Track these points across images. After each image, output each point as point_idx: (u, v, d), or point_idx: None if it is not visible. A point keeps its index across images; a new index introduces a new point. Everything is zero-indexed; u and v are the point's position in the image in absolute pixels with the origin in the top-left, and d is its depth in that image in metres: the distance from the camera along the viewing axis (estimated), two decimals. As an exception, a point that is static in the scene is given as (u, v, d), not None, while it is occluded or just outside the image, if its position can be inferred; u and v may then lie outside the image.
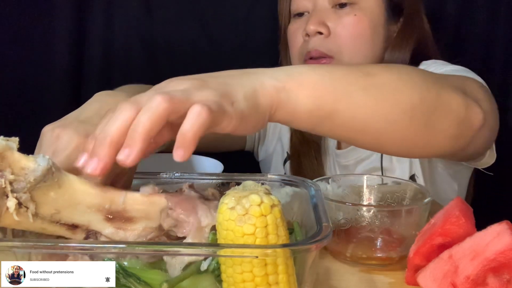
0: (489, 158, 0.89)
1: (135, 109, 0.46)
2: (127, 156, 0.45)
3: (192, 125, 0.45)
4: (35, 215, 0.48)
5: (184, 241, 0.51)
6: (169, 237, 0.53)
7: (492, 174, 0.97)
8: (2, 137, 0.48)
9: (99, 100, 0.70)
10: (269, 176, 0.65)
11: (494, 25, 1.34)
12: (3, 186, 0.46)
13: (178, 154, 0.45)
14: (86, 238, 0.51)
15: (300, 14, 1.07)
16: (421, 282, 0.55)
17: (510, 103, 1.30)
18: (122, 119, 0.46)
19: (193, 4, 1.40)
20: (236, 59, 1.36)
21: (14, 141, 0.48)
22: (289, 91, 0.54)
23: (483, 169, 0.96)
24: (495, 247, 0.50)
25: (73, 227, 0.50)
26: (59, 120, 0.63)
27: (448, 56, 1.03)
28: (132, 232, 0.51)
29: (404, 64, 1.01)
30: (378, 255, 0.65)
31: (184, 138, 0.45)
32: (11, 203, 0.46)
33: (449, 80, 0.69)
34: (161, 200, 0.52)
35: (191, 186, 0.55)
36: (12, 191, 0.46)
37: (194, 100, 0.46)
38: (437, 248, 0.56)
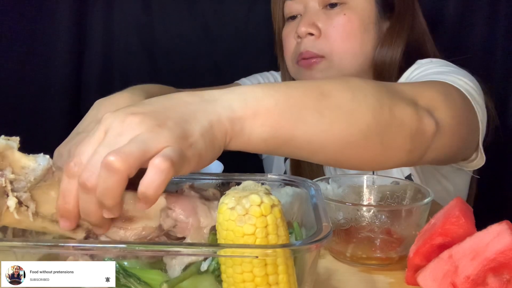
0: (480, 160, 0.89)
1: (92, 186, 0.45)
2: (112, 214, 0.47)
3: (153, 182, 0.44)
4: (36, 214, 0.48)
5: (184, 241, 0.51)
6: (169, 237, 0.52)
7: (478, 177, 0.96)
8: (3, 136, 0.48)
9: (96, 107, 0.73)
10: (269, 176, 0.65)
11: (494, 26, 1.34)
12: (4, 185, 0.46)
13: (142, 207, 0.46)
14: (87, 237, 0.51)
15: (293, 17, 1.08)
16: (421, 282, 0.55)
17: (510, 103, 1.30)
18: (88, 201, 0.46)
19: (193, 4, 1.40)
20: (236, 59, 1.36)
21: (15, 141, 0.48)
22: (244, 121, 0.53)
23: (478, 172, 0.96)
24: (495, 247, 0.50)
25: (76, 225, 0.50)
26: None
27: (448, 56, 1.03)
28: (132, 232, 0.51)
29: (395, 62, 1.01)
30: (378, 255, 0.65)
31: (146, 196, 0.44)
32: (12, 202, 0.46)
33: (401, 92, 0.69)
34: (160, 200, 0.51)
35: (191, 187, 0.55)
36: (13, 190, 0.46)
37: (152, 152, 0.45)
38: (437, 248, 0.56)
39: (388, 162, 0.69)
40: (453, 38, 1.37)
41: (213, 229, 0.50)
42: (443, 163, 0.90)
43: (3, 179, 0.46)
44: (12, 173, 0.46)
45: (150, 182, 0.44)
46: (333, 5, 1.01)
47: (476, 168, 0.92)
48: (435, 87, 0.80)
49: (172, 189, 0.56)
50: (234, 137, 0.53)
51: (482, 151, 0.88)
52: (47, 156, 0.48)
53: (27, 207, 0.47)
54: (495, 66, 1.34)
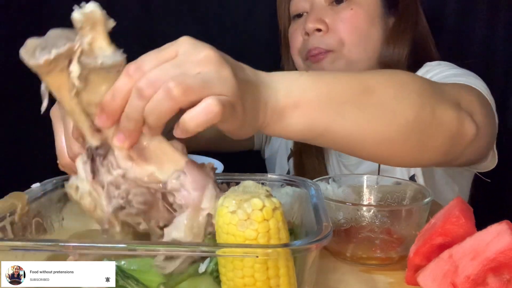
0: (490, 163, 0.89)
1: (146, 95, 0.46)
2: (148, 132, 0.48)
3: (198, 117, 0.45)
4: (77, 93, 0.47)
5: (176, 216, 0.50)
6: (164, 198, 0.51)
7: (489, 181, 0.97)
8: (103, 11, 0.47)
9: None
10: (269, 176, 0.65)
11: (494, 25, 1.34)
12: (75, 49, 0.45)
13: (177, 133, 0.47)
14: (96, 149, 0.50)
15: (299, 15, 1.08)
16: (421, 282, 0.55)
17: (510, 103, 1.30)
18: (135, 107, 0.46)
19: (193, 4, 1.40)
20: (236, 59, 1.36)
21: (111, 22, 0.47)
22: (283, 111, 0.54)
23: (481, 174, 0.97)
24: (495, 247, 0.50)
25: (97, 129, 0.49)
26: None
27: (448, 56, 1.03)
28: (138, 170, 0.49)
29: (402, 60, 1.02)
30: (378, 255, 0.65)
31: (185, 126, 0.45)
32: (76, 68, 0.45)
33: (445, 92, 0.69)
34: (181, 161, 0.50)
35: (212, 169, 0.54)
36: (78, 60, 0.46)
37: (211, 93, 0.46)
38: (437, 248, 0.56)
39: (424, 160, 0.70)
40: (452, 38, 1.37)
41: (210, 227, 0.50)
42: (468, 165, 0.90)
43: (77, 44, 0.45)
44: (89, 45, 0.46)
45: (196, 115, 0.45)
46: (339, 1, 1.02)
47: (487, 170, 0.93)
48: (471, 91, 0.81)
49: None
50: (272, 123, 0.54)
51: (496, 153, 0.88)
52: (125, 55, 0.47)
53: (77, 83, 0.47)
54: (495, 66, 1.34)
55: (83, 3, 0.46)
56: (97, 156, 0.50)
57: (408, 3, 1.05)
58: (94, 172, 0.50)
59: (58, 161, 0.57)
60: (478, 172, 0.98)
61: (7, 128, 1.25)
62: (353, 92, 0.59)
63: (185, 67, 0.47)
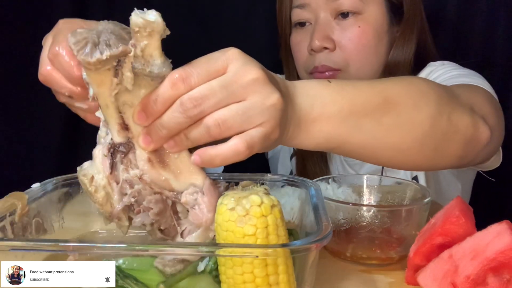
0: (494, 162, 0.90)
1: (187, 113, 0.47)
2: (174, 147, 0.49)
3: (223, 155, 0.47)
4: (118, 94, 0.48)
5: (187, 235, 0.51)
6: (173, 209, 0.52)
7: (494, 180, 0.97)
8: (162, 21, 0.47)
9: None
10: (269, 176, 0.65)
11: (494, 25, 1.34)
12: (130, 53, 0.46)
13: (197, 161, 0.48)
14: (118, 145, 0.50)
15: (302, 24, 1.04)
16: (421, 281, 0.55)
17: (510, 103, 1.30)
18: (173, 119, 0.47)
19: (193, 4, 1.40)
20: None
21: (166, 32, 0.47)
22: (304, 126, 0.55)
23: (486, 174, 0.97)
24: (495, 247, 0.50)
25: (125, 126, 0.50)
26: None
27: (447, 54, 1.03)
28: (154, 175, 0.50)
29: (407, 63, 1.01)
30: (378, 255, 0.65)
31: (210, 159, 0.48)
32: (129, 74, 0.46)
33: (459, 98, 0.69)
34: (200, 179, 0.51)
35: (225, 188, 0.54)
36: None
37: (250, 127, 0.47)
38: (437, 248, 0.56)
39: (439, 165, 0.72)
40: (452, 36, 1.37)
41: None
42: (479, 164, 0.90)
43: (133, 49, 0.46)
44: (141, 51, 0.46)
45: (223, 153, 0.47)
46: (345, 15, 0.99)
47: (490, 169, 0.93)
48: (480, 92, 0.81)
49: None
50: (293, 137, 0.55)
51: (501, 151, 0.89)
52: (171, 66, 0.48)
53: (119, 83, 0.47)
54: (495, 65, 1.34)
55: (145, 9, 0.47)
56: (118, 153, 0.50)
57: (413, 12, 1.03)
58: (113, 167, 0.51)
59: (39, 71, 0.59)
60: (482, 171, 0.98)
61: (7, 128, 1.25)
62: (373, 105, 0.59)
63: (233, 89, 0.47)
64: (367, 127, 0.58)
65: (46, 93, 1.29)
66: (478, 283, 0.51)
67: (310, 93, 0.55)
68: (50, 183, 0.63)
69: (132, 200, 0.50)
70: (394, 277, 0.62)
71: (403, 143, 0.61)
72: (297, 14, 1.04)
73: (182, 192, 0.51)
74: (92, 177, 0.51)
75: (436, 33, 1.11)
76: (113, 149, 0.50)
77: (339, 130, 0.57)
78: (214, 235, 0.51)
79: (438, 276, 0.53)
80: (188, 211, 0.51)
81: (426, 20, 1.07)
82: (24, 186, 0.60)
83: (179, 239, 0.52)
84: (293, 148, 1.17)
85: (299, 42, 1.05)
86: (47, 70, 0.56)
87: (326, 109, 0.55)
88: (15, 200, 0.55)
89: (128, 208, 0.52)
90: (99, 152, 0.51)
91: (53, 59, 0.55)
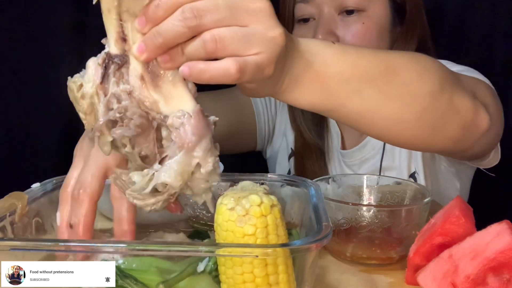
0: (493, 159, 0.90)
1: (187, 23, 0.45)
2: (167, 60, 0.47)
3: (214, 72, 0.46)
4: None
5: (166, 161, 0.48)
6: (157, 130, 0.49)
7: (494, 175, 0.97)
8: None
9: None
10: (269, 176, 0.65)
11: (494, 25, 1.34)
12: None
13: (185, 71, 0.46)
14: (114, 57, 0.48)
15: (305, 20, 1.04)
16: (421, 281, 0.55)
17: (510, 103, 1.30)
18: (171, 27, 0.45)
19: None
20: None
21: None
22: (301, 81, 0.53)
23: (485, 170, 0.97)
24: (495, 247, 0.50)
25: (124, 38, 0.48)
26: None
27: (448, 56, 1.03)
28: (145, 93, 0.48)
29: None
30: (378, 255, 0.65)
31: (197, 73, 0.46)
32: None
33: (462, 82, 0.69)
34: (189, 103, 0.48)
35: (214, 124, 0.51)
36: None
37: (246, 53, 0.46)
38: (437, 247, 0.56)
39: (434, 145, 0.70)
40: (452, 35, 1.37)
41: (200, 172, 0.48)
42: (474, 159, 0.90)
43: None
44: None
45: (213, 70, 0.46)
46: (349, 12, 0.98)
47: (489, 167, 0.93)
48: (482, 84, 0.81)
49: None
50: (287, 91, 0.54)
51: (499, 149, 0.88)
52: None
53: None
54: (495, 64, 1.34)
55: None
56: (112, 64, 0.48)
57: (415, 13, 1.03)
58: (104, 77, 0.49)
59: (61, 188, 0.57)
60: (482, 168, 0.98)
61: (7, 128, 1.25)
62: (376, 71, 0.58)
63: (237, 12, 0.46)
64: (366, 93, 0.57)
65: (46, 93, 1.29)
66: (478, 283, 0.51)
67: (312, 50, 0.54)
68: (50, 183, 0.63)
69: (118, 115, 0.48)
70: (394, 277, 0.62)
71: (401, 115, 0.60)
72: (301, 9, 1.04)
73: (169, 116, 0.49)
74: (81, 85, 0.49)
75: (436, 33, 1.11)
76: (108, 60, 0.49)
77: (337, 91, 0.55)
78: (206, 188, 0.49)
79: (438, 276, 0.53)
80: (172, 139, 0.49)
81: (426, 20, 1.07)
82: (24, 186, 0.60)
83: (156, 166, 0.49)
84: (292, 148, 1.17)
85: (302, 37, 1.05)
86: (67, 196, 0.56)
87: (327, 68, 0.55)
88: (15, 200, 0.55)
89: (112, 124, 0.49)
90: (93, 62, 0.49)
91: (74, 198, 0.55)
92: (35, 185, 0.61)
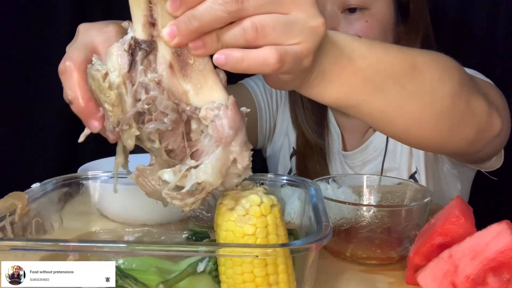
0: (496, 162, 0.90)
1: (227, 8, 0.43)
2: (202, 47, 0.44)
3: (252, 62, 0.43)
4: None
5: (199, 157, 0.46)
6: (186, 123, 0.46)
7: (496, 179, 0.97)
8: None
9: None
10: (269, 176, 0.65)
11: (494, 25, 1.34)
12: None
13: (219, 59, 0.44)
14: (141, 43, 0.45)
15: None
16: (421, 281, 0.55)
17: (510, 103, 1.30)
18: (209, 11, 0.43)
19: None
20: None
21: None
22: (327, 76, 0.53)
23: (487, 173, 0.97)
24: (495, 247, 0.50)
25: (152, 22, 0.45)
26: None
27: (448, 52, 1.03)
28: (174, 83, 0.45)
29: None
30: (378, 255, 0.65)
31: (234, 62, 0.43)
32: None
33: (478, 85, 0.70)
34: (220, 93, 0.46)
35: (246, 116, 0.49)
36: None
37: (288, 42, 0.44)
38: (437, 247, 0.56)
39: (449, 146, 0.70)
40: (453, 37, 1.37)
41: (237, 166, 0.46)
42: (482, 162, 0.91)
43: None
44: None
45: (252, 59, 0.43)
46: (352, 10, 0.98)
47: (491, 169, 0.93)
48: (492, 87, 0.81)
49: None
50: (313, 85, 0.53)
51: (502, 152, 0.89)
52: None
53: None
54: (495, 66, 1.34)
55: None
56: (140, 50, 0.45)
57: (418, 12, 1.03)
58: (131, 65, 0.45)
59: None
60: (484, 171, 0.98)
61: (7, 128, 1.25)
62: (400, 68, 0.58)
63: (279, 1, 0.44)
64: (390, 90, 0.57)
65: (46, 93, 1.29)
66: (478, 283, 0.51)
67: (340, 43, 0.53)
68: (50, 183, 0.63)
69: (146, 107, 0.45)
70: (394, 277, 0.62)
71: (422, 114, 0.60)
72: None
73: (200, 108, 0.46)
74: (107, 74, 0.46)
75: (437, 33, 1.10)
76: (135, 46, 0.45)
77: (362, 87, 0.55)
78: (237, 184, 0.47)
79: (438, 276, 0.53)
80: (202, 132, 0.46)
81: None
82: (24, 186, 0.60)
83: (189, 161, 0.46)
84: (293, 147, 1.18)
85: None
86: (64, 66, 0.51)
87: (354, 63, 0.54)
88: (15, 200, 0.55)
89: (139, 116, 0.46)
90: (117, 49, 0.46)
91: (62, 72, 0.51)
92: (35, 185, 0.61)
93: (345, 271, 0.63)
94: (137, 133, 0.46)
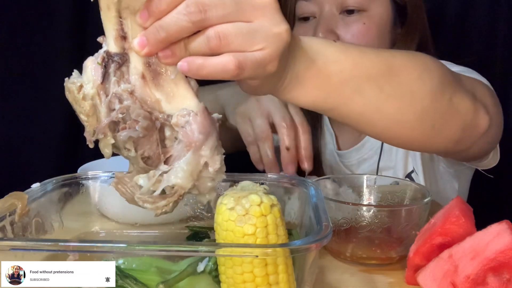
0: (492, 160, 0.90)
1: (192, 18, 0.44)
2: (170, 55, 0.46)
3: (212, 68, 0.45)
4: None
5: (172, 162, 0.48)
6: (160, 130, 0.48)
7: (492, 176, 0.97)
8: None
9: None
10: (269, 176, 0.65)
11: (494, 25, 1.34)
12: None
13: (183, 66, 0.45)
14: (113, 55, 0.47)
15: (306, 18, 1.03)
16: (421, 281, 0.55)
17: (510, 103, 1.30)
18: (175, 21, 0.44)
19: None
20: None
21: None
22: (302, 80, 0.53)
23: (484, 171, 0.97)
24: (495, 247, 0.50)
25: (123, 36, 0.47)
26: None
27: (448, 56, 1.03)
28: (147, 92, 0.47)
29: None
30: (378, 255, 0.65)
31: (196, 68, 0.45)
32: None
33: (463, 82, 0.69)
34: (192, 101, 0.47)
35: (218, 121, 0.50)
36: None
37: (250, 49, 0.45)
38: (437, 247, 0.56)
39: (435, 146, 0.71)
40: (453, 37, 1.37)
41: (208, 171, 0.48)
42: (473, 160, 0.91)
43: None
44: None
45: (212, 65, 0.45)
46: (350, 12, 0.98)
47: (488, 168, 0.93)
48: (482, 85, 0.81)
49: None
50: (288, 89, 0.53)
51: (498, 151, 0.89)
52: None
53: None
54: (495, 66, 1.34)
55: None
56: (112, 63, 0.47)
57: (416, 14, 1.03)
58: (105, 77, 0.47)
59: None
60: (481, 169, 0.98)
61: (7, 128, 1.25)
62: (377, 70, 0.58)
63: (243, 6, 0.45)
64: (368, 92, 0.57)
65: (46, 93, 1.29)
66: (478, 283, 0.51)
67: (313, 48, 0.54)
68: (50, 183, 0.63)
69: (120, 116, 0.47)
70: (394, 277, 0.62)
71: (401, 114, 0.60)
72: (302, 7, 1.03)
73: (172, 115, 0.48)
74: (81, 86, 0.48)
75: (436, 33, 1.11)
76: (108, 59, 0.47)
77: (338, 90, 0.55)
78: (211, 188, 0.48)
79: (438, 276, 0.53)
80: (176, 138, 0.48)
81: (427, 21, 1.07)
82: (24, 186, 0.60)
83: (162, 167, 0.48)
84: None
85: (302, 35, 1.04)
86: None
87: (328, 67, 0.54)
88: (15, 200, 0.55)
89: (114, 125, 0.48)
90: (91, 62, 0.48)
91: None
92: (35, 185, 0.61)
93: (345, 271, 0.63)
94: (112, 141, 0.48)
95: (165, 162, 0.48)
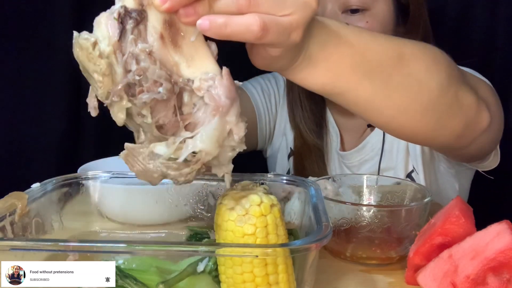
0: (493, 161, 0.90)
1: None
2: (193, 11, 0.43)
3: (236, 28, 0.43)
4: None
5: (194, 128, 0.45)
6: (178, 96, 0.44)
7: (492, 178, 0.97)
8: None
9: None
10: (269, 176, 0.65)
11: (494, 25, 1.34)
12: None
13: (204, 25, 0.43)
14: (131, 12, 0.43)
15: None
16: (421, 281, 0.55)
17: (510, 103, 1.30)
18: None
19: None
20: (236, 58, 1.36)
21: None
22: (313, 60, 0.52)
23: (484, 172, 0.97)
24: (495, 247, 0.50)
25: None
26: None
27: (447, 52, 1.03)
28: (165, 54, 0.44)
29: None
30: (378, 255, 0.65)
31: (218, 26, 0.42)
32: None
33: (468, 79, 0.70)
34: (214, 66, 0.45)
35: (240, 89, 0.49)
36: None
37: (280, 13, 0.44)
38: (437, 247, 0.56)
39: (437, 140, 0.70)
40: (453, 37, 1.37)
41: (232, 138, 0.45)
42: (474, 161, 0.90)
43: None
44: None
45: (235, 24, 0.43)
46: (353, 11, 0.97)
47: (488, 169, 0.93)
48: (484, 83, 0.81)
49: None
50: (299, 68, 0.52)
51: (499, 151, 0.89)
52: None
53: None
54: (495, 66, 1.34)
55: None
56: (130, 19, 0.43)
57: (418, 13, 1.03)
58: (121, 34, 0.43)
59: None
60: (481, 170, 0.98)
61: (7, 128, 1.25)
62: (388, 57, 0.58)
63: None
64: (376, 78, 0.57)
65: (46, 93, 1.29)
66: (478, 283, 0.51)
67: (328, 29, 0.53)
68: (50, 183, 0.63)
69: (137, 78, 0.43)
70: (394, 277, 0.62)
71: (408, 104, 0.60)
72: None
73: (193, 80, 0.44)
74: (96, 42, 0.43)
75: (437, 33, 1.11)
76: (125, 15, 0.43)
77: (348, 74, 0.55)
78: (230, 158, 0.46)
79: (438, 276, 0.53)
80: (195, 105, 0.45)
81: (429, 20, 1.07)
82: (24, 186, 0.60)
83: (184, 133, 0.44)
84: (291, 148, 1.18)
85: None
86: None
87: (341, 49, 0.54)
88: (15, 200, 0.55)
89: (129, 88, 0.44)
90: (106, 17, 0.44)
91: None
92: (35, 185, 0.61)
93: (345, 271, 0.63)
94: (129, 105, 0.44)
95: (186, 128, 0.45)
